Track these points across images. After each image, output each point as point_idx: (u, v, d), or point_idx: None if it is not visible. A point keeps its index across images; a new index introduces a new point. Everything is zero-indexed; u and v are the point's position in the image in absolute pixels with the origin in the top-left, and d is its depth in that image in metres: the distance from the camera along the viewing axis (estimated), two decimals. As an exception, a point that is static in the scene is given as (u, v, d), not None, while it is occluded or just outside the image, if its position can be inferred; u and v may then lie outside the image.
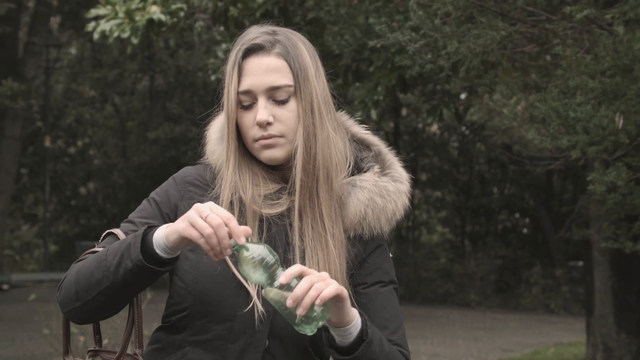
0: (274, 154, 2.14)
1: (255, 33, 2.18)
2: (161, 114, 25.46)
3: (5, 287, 20.39)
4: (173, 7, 7.05)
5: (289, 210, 2.16)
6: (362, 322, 2.03)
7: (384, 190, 2.18)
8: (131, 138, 26.43)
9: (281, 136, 2.13)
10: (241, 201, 2.16)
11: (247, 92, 2.14)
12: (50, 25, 24.04)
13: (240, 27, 7.82)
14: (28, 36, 22.07)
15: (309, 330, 1.92)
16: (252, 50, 2.16)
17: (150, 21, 6.92)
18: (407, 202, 2.21)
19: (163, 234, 1.96)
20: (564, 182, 23.98)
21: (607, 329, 9.92)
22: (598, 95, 4.20)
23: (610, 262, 9.88)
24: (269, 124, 2.12)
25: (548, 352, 12.71)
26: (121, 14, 6.96)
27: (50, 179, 24.66)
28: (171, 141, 24.07)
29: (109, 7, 7.06)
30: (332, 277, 2.04)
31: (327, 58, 6.86)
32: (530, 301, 20.39)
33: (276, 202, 2.16)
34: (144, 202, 2.22)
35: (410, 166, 25.15)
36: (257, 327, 2.07)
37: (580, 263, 18.64)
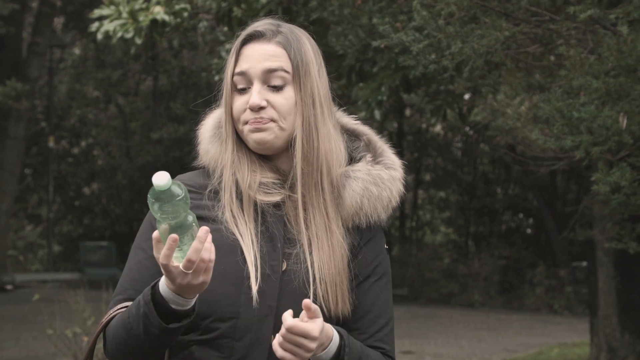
0: (263, 136, 2.14)
1: (259, 22, 2.21)
2: (165, 114, 25.47)
3: (9, 287, 20.42)
4: (177, 7, 7.06)
5: (284, 201, 2.17)
6: (339, 346, 2.06)
7: (378, 178, 2.19)
8: (135, 138, 26.45)
9: (272, 120, 2.13)
10: (237, 185, 2.17)
11: (242, 74, 2.15)
12: (53, 26, 24.06)
13: (244, 28, 7.82)
14: (32, 36, 22.11)
15: None
16: (253, 37, 2.18)
17: (154, 21, 6.92)
18: (401, 188, 2.23)
19: (169, 292, 1.97)
20: (567, 182, 23.96)
21: (611, 329, 9.91)
22: (602, 95, 4.19)
23: (614, 262, 9.88)
24: (261, 108, 2.13)
25: (552, 353, 12.70)
26: (125, 15, 6.97)
27: (54, 179, 24.68)
28: (175, 141, 24.08)
29: (112, 7, 7.06)
30: (336, 268, 2.10)
31: (331, 58, 6.86)
32: (533, 301, 20.38)
33: (271, 190, 2.16)
34: (144, 224, 2.22)
35: (414, 166, 25.18)
36: (259, 322, 2.09)
37: (584, 263, 18.63)
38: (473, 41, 4.57)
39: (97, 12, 7.19)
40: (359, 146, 2.27)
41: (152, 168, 24.81)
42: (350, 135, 2.28)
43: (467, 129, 23.30)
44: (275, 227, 2.14)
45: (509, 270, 22.11)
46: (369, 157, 2.24)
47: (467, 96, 8.31)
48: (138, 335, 2.01)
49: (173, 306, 1.97)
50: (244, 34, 2.20)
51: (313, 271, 2.10)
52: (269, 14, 7.04)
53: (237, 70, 2.16)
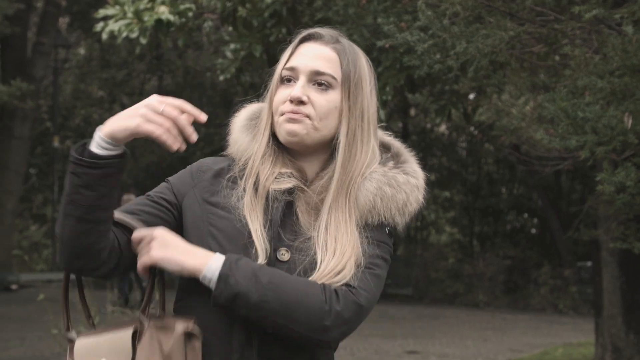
0: (295, 128, 2.16)
1: (323, 28, 2.27)
2: (170, 114, 25.47)
3: (14, 287, 20.43)
4: (181, 7, 7.06)
5: (296, 193, 2.19)
6: (224, 261, 2.05)
7: (393, 180, 2.22)
8: (139, 138, 26.43)
9: (308, 117, 2.17)
10: (257, 176, 2.20)
11: (292, 69, 2.20)
12: (58, 26, 24.08)
13: (249, 28, 7.84)
14: (37, 36, 22.12)
15: None
16: (312, 37, 2.24)
17: (159, 21, 6.93)
18: (420, 197, 2.25)
19: (101, 133, 2.10)
20: (572, 182, 23.92)
21: (616, 329, 9.90)
22: (607, 95, 4.19)
23: (619, 262, 9.86)
24: (301, 102, 2.16)
25: (557, 353, 12.69)
26: (129, 14, 6.97)
27: (58, 179, 24.69)
28: (180, 141, 24.07)
29: (117, 7, 7.07)
30: (350, 268, 2.11)
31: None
32: (538, 301, 20.36)
33: (284, 179, 2.19)
34: (162, 183, 2.29)
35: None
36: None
37: (589, 263, 18.60)
38: (478, 41, 4.57)
39: (102, 12, 7.21)
40: (388, 156, 2.30)
41: (157, 168, 24.84)
42: (381, 147, 2.32)
43: (472, 128, 23.29)
44: (285, 218, 2.17)
45: (514, 270, 22.08)
46: (390, 163, 2.27)
47: (471, 96, 8.31)
48: (65, 193, 2.07)
49: (92, 149, 2.07)
50: (304, 32, 2.25)
51: (319, 265, 2.12)
52: (274, 13, 7.05)
53: (288, 65, 2.21)
